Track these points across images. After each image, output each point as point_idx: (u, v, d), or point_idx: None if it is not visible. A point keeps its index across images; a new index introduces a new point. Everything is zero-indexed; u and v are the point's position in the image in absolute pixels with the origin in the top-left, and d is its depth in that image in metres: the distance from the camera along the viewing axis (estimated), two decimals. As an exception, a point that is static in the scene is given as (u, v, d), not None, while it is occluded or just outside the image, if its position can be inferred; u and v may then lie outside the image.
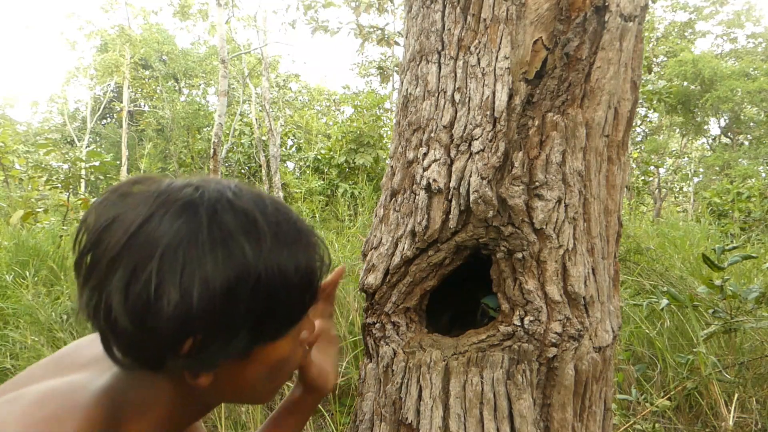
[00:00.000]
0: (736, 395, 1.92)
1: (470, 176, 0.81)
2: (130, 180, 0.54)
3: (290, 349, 0.60)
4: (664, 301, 2.01)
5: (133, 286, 0.47)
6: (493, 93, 0.83)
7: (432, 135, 0.87)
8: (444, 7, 0.90)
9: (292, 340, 0.60)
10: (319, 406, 2.18)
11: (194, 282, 0.48)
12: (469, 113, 0.84)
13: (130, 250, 0.48)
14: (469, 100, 0.84)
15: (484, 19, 0.85)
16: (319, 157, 12.30)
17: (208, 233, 0.49)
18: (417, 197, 0.86)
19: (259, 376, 0.59)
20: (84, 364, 0.61)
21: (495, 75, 0.83)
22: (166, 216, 0.49)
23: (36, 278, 3.40)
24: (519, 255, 0.81)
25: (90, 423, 0.53)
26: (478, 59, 0.85)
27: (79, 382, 0.56)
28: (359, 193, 9.77)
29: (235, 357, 0.54)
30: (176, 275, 0.47)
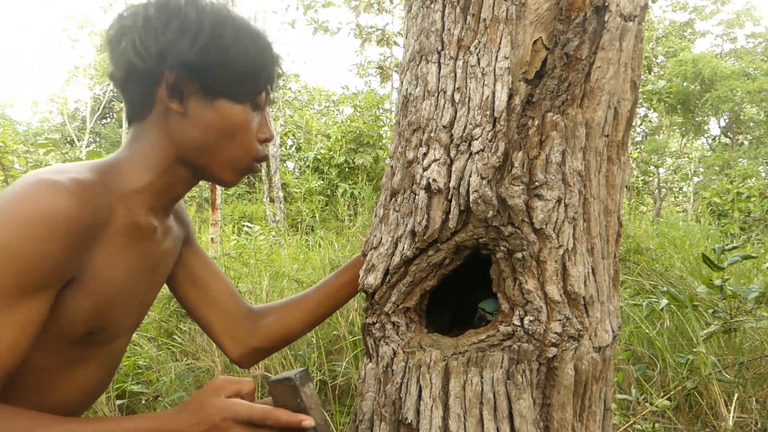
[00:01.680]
0: (736, 395, 1.92)
1: (470, 176, 0.81)
2: None
3: (244, 120, 0.77)
4: (664, 301, 2.01)
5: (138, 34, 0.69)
6: (493, 93, 0.83)
7: (432, 135, 0.87)
8: (444, 7, 0.90)
9: (249, 120, 0.78)
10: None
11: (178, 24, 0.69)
12: (468, 113, 0.84)
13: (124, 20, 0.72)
14: (468, 100, 0.84)
15: (484, 19, 0.85)
16: (318, 157, 12.29)
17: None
18: (417, 197, 0.86)
19: (220, 130, 0.75)
20: None
21: (495, 75, 0.83)
22: None
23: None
24: (519, 255, 0.81)
25: (92, 169, 0.71)
26: (478, 59, 0.85)
27: None
28: (359, 193, 9.77)
29: (203, 94, 0.73)
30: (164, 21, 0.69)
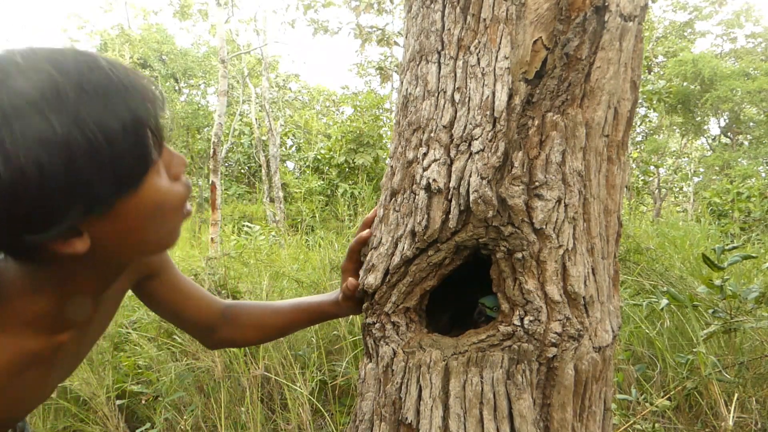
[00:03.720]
0: (736, 395, 1.92)
1: (470, 176, 0.81)
2: None
3: (158, 192, 0.57)
4: (664, 301, 2.01)
5: None
6: (493, 93, 0.83)
7: (432, 135, 0.87)
8: (444, 7, 0.90)
9: (155, 183, 0.56)
10: (320, 406, 2.18)
11: None
12: (468, 113, 0.84)
13: None
14: (468, 100, 0.84)
15: (484, 19, 0.85)
16: (318, 157, 12.30)
17: None
18: (417, 197, 0.86)
19: (144, 225, 0.57)
20: None
21: (495, 75, 0.83)
22: None
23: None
24: (519, 255, 0.81)
25: None
26: (478, 59, 0.85)
27: None
28: (359, 193, 9.77)
29: (97, 216, 0.52)
30: None
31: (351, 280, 0.94)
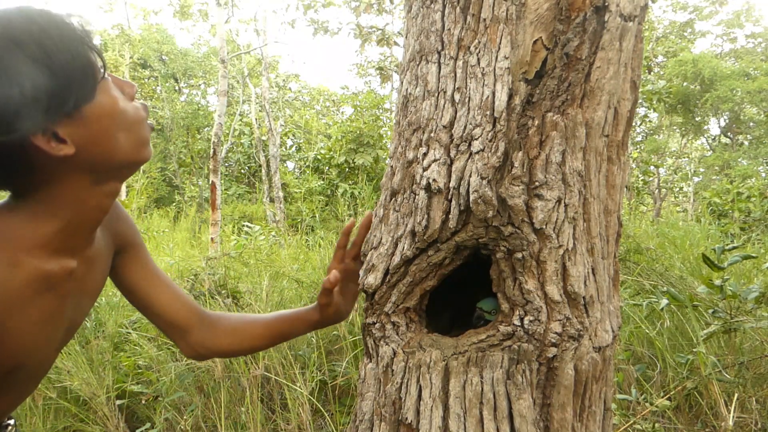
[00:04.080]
0: (736, 395, 1.92)
1: (470, 176, 0.81)
2: None
3: (113, 101, 0.71)
4: (664, 301, 2.01)
5: None
6: (493, 93, 0.83)
7: (432, 135, 0.87)
8: (444, 7, 0.90)
9: (109, 94, 0.71)
10: (319, 406, 2.18)
11: None
12: (468, 113, 0.84)
13: None
14: (468, 100, 0.84)
15: (484, 19, 0.85)
16: (319, 157, 12.30)
17: None
18: (417, 197, 0.86)
19: (111, 131, 0.71)
20: None
21: (495, 75, 0.83)
22: None
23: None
24: (519, 255, 0.81)
25: None
26: (478, 59, 0.85)
27: None
28: (359, 193, 9.77)
29: (68, 120, 0.66)
30: None
31: (334, 272, 0.95)
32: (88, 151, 0.69)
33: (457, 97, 0.86)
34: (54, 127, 0.65)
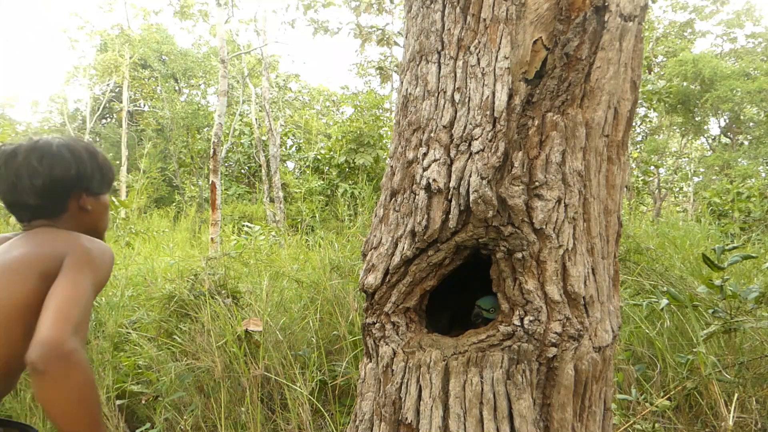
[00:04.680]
0: (736, 395, 1.91)
1: (470, 176, 0.81)
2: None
3: (106, 202, 1.28)
4: (664, 301, 2.01)
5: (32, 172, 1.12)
6: (493, 93, 0.83)
7: (432, 135, 0.87)
8: (444, 7, 0.90)
9: (106, 198, 1.28)
10: (319, 406, 2.18)
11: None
12: (468, 113, 0.84)
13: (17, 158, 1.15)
14: (468, 100, 0.84)
15: (484, 19, 0.85)
16: (319, 157, 12.30)
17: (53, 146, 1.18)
18: (417, 197, 0.86)
19: (102, 214, 1.27)
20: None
21: (495, 75, 0.83)
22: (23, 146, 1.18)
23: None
24: (519, 255, 0.81)
25: None
26: (478, 59, 0.85)
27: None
28: (359, 193, 9.77)
29: (93, 197, 1.22)
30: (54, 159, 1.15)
31: None
32: (93, 214, 1.24)
33: (457, 97, 0.86)
34: (85, 195, 1.20)
